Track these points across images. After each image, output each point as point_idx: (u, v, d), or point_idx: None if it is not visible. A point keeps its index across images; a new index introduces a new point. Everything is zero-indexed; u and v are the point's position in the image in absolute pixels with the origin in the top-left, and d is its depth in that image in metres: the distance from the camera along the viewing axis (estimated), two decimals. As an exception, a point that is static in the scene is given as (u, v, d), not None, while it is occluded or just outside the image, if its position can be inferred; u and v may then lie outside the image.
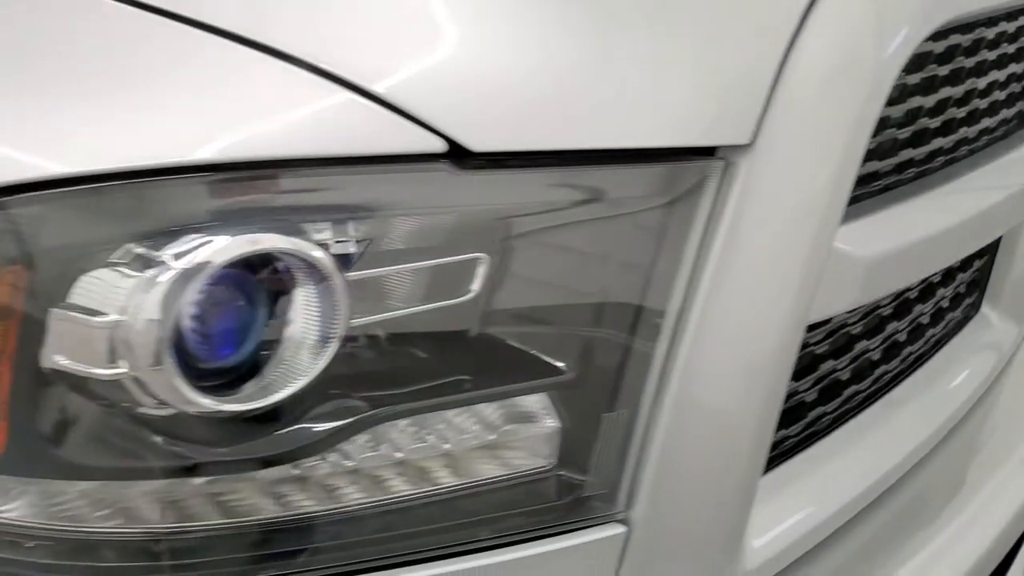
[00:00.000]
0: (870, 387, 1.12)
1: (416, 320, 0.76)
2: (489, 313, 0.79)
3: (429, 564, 0.80)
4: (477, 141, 0.72)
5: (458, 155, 0.72)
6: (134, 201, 0.68)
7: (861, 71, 0.82)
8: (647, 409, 0.82)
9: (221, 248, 0.68)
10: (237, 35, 0.72)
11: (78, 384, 0.70)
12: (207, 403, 0.69)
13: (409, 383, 0.78)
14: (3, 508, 0.74)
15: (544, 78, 0.74)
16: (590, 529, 0.83)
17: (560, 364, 0.81)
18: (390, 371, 0.77)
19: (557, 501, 0.83)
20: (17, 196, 0.67)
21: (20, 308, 0.69)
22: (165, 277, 0.67)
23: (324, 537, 0.78)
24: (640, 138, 0.76)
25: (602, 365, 0.82)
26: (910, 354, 1.20)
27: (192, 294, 0.68)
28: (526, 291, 0.80)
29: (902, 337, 1.17)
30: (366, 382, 0.76)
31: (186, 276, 0.67)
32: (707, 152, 0.79)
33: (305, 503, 0.78)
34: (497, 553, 0.81)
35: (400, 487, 0.80)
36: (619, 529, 0.84)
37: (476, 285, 0.77)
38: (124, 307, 0.67)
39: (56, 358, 0.69)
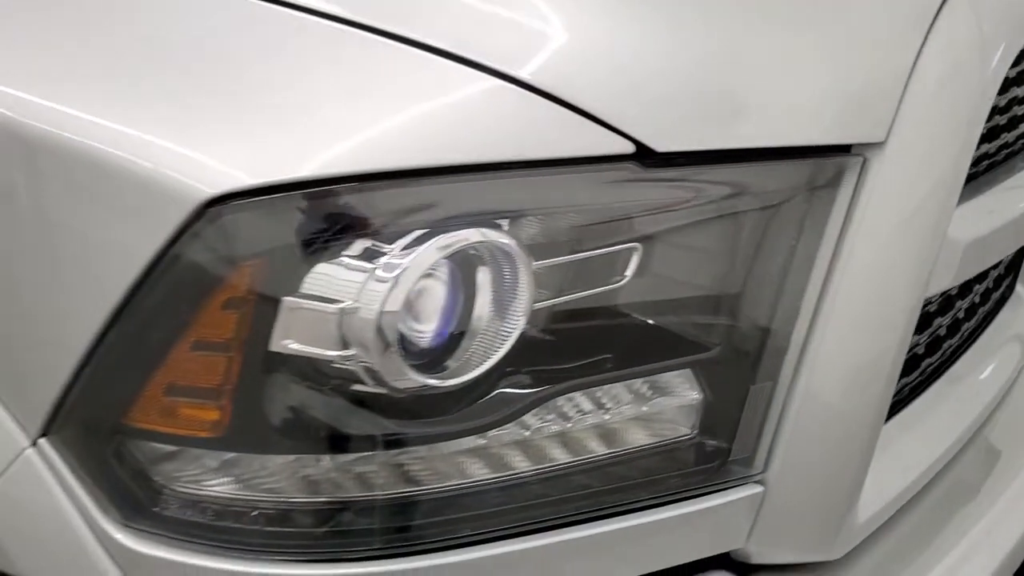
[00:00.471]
0: (938, 360, 1.22)
1: (585, 303, 0.84)
2: (645, 297, 0.86)
3: (586, 524, 0.88)
4: (661, 143, 0.79)
5: (642, 156, 0.80)
6: (364, 202, 0.75)
7: (976, 73, 0.91)
8: (787, 381, 0.90)
9: (439, 243, 0.75)
10: (434, 47, 0.79)
11: (302, 366, 0.77)
12: (432, 382, 0.77)
13: (577, 360, 0.85)
14: (220, 481, 0.81)
15: (710, 82, 0.82)
16: (731, 490, 0.92)
17: (707, 342, 0.89)
18: (562, 350, 0.84)
19: (702, 465, 0.91)
20: (253, 199, 0.74)
21: (255, 298, 0.75)
22: (394, 270, 0.75)
23: (498, 502, 0.85)
24: (790, 136, 0.84)
25: (746, 343, 0.90)
26: (966, 330, 1.30)
27: (415, 284, 0.75)
28: (678, 277, 0.88)
29: (961, 314, 1.27)
30: (541, 360, 0.83)
31: (411, 268, 0.75)
32: (843, 149, 0.87)
33: (481, 471, 0.85)
34: (647, 514, 0.89)
35: (561, 455, 0.88)
36: (756, 489, 0.92)
37: (630, 271, 0.84)
38: (357, 296, 0.75)
39: (285, 342, 0.76)
